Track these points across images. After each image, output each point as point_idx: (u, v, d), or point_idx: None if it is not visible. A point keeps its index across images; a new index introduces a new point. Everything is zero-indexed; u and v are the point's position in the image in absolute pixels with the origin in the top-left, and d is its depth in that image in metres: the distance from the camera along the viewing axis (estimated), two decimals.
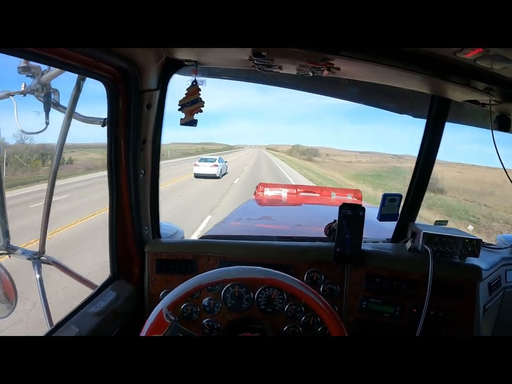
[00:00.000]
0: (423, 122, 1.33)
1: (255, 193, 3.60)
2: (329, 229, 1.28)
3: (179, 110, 1.07)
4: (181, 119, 1.07)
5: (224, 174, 17.35)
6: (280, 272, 0.83)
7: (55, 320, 1.05)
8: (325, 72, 1.05)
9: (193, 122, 1.08)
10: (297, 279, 0.84)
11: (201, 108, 1.07)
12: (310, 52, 0.92)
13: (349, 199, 3.23)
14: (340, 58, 0.94)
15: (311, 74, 1.06)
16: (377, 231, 1.56)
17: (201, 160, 17.20)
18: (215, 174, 15.95)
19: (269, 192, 3.49)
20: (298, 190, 3.54)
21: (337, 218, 1.17)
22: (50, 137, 1.21)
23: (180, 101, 1.06)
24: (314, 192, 3.55)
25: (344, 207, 1.15)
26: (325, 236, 1.31)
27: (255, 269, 0.84)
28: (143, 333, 0.78)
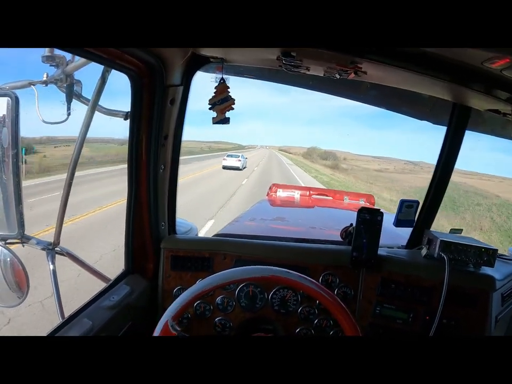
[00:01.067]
0: (437, 128, 1.34)
1: (267, 194, 3.59)
2: (345, 232, 1.27)
3: (210, 109, 1.07)
4: (213, 117, 1.07)
5: (245, 167, 22.12)
6: (291, 272, 0.84)
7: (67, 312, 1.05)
8: (351, 75, 1.04)
9: (225, 120, 1.08)
10: (314, 280, 0.85)
11: (232, 106, 1.07)
12: (339, 54, 0.92)
13: (362, 203, 3.22)
14: (368, 62, 0.94)
15: (338, 76, 1.05)
16: (391, 237, 1.56)
17: (228, 155, 23.15)
18: (239, 167, 20.99)
19: (281, 193, 3.49)
20: (311, 192, 3.53)
21: (353, 222, 1.17)
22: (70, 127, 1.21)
23: (210, 100, 1.06)
24: (327, 195, 3.54)
25: (363, 211, 1.14)
26: (339, 239, 1.31)
27: (257, 268, 0.84)
28: None
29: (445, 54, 0.85)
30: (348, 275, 1.19)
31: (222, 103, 1.07)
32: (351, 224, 1.23)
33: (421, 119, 1.45)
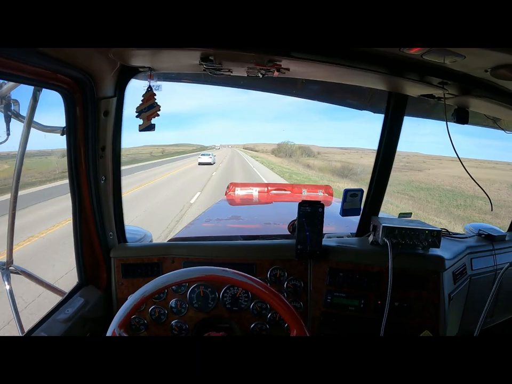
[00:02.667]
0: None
1: (226, 193, 3.58)
2: (292, 226, 1.30)
3: (137, 116, 1.09)
4: (139, 125, 1.09)
5: (214, 162, 27.18)
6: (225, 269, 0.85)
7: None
8: (276, 73, 1.07)
9: (151, 127, 1.10)
10: (255, 278, 0.86)
11: (158, 112, 1.09)
12: (256, 54, 0.94)
13: (320, 195, 3.24)
14: (288, 59, 0.96)
15: (261, 76, 1.08)
16: (345, 225, 1.59)
17: (202, 154, 30.04)
18: (210, 162, 26.33)
19: (240, 192, 3.49)
20: (269, 188, 3.55)
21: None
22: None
23: (137, 108, 1.08)
24: (285, 190, 3.55)
25: (304, 204, 1.17)
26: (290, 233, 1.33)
27: (196, 269, 0.85)
28: None
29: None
30: (295, 268, 1.22)
31: (148, 110, 1.09)
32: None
33: (361, 109, 1.48)
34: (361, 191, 1.33)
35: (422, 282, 1.18)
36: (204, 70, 1.05)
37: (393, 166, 1.36)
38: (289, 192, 3.46)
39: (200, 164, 25.50)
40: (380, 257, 1.18)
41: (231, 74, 1.08)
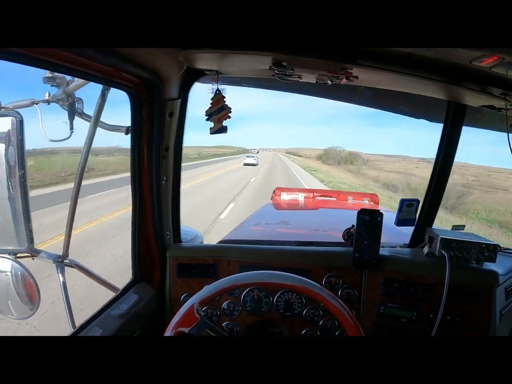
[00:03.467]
0: (439, 126, 1.33)
1: (272, 198, 3.60)
2: (347, 234, 1.29)
3: (207, 119, 1.09)
4: (210, 128, 1.10)
5: (257, 164, 30.83)
6: (304, 278, 0.86)
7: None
8: (343, 81, 1.06)
9: (223, 129, 1.11)
10: (317, 284, 0.87)
11: (229, 114, 1.09)
12: (328, 62, 0.94)
13: (366, 203, 3.22)
14: (358, 67, 0.96)
15: (330, 83, 1.07)
16: (395, 235, 1.57)
17: (247, 156, 35.03)
18: (254, 163, 30.21)
19: (285, 197, 3.50)
20: (314, 194, 3.54)
21: (355, 224, 1.18)
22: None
23: (206, 111, 1.09)
24: (331, 197, 3.54)
25: (362, 213, 1.16)
26: (343, 241, 1.32)
27: (288, 275, 0.87)
28: (170, 326, 0.80)
29: (434, 55, 0.87)
30: (350, 276, 1.21)
31: (218, 113, 1.10)
32: (353, 226, 1.24)
33: (417, 117, 1.46)
34: (417, 201, 1.31)
35: (475, 296, 1.15)
36: (272, 75, 1.05)
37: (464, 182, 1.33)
38: (335, 199, 3.44)
39: (245, 164, 30.29)
40: (435, 269, 1.16)
41: (300, 80, 1.07)
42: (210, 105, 1.09)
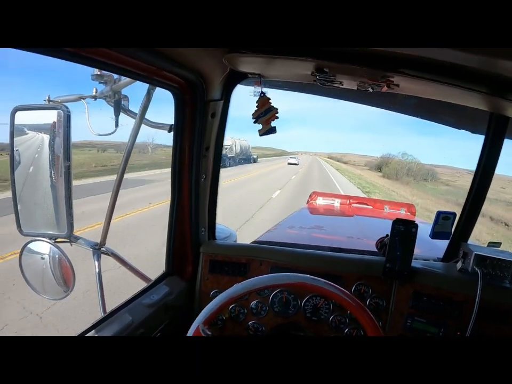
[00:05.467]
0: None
1: (308, 201, 3.58)
2: (380, 243, 1.27)
3: (254, 122, 1.10)
4: (259, 130, 1.11)
5: (298, 164, 38.52)
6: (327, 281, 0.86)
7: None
8: (384, 88, 1.05)
9: (272, 130, 1.11)
10: (341, 288, 0.87)
11: (276, 115, 1.10)
12: (370, 69, 0.94)
13: (402, 213, 3.15)
14: (400, 76, 0.95)
15: (371, 90, 1.06)
16: (429, 248, 1.53)
17: (290, 157, 44.62)
18: (296, 163, 38.55)
19: (321, 201, 3.49)
20: (351, 201, 3.50)
21: (389, 233, 1.16)
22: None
23: (253, 114, 1.10)
24: (367, 204, 3.49)
25: (398, 223, 1.14)
26: (375, 250, 1.31)
27: (284, 275, 0.87)
28: None
29: (478, 66, 0.84)
30: (380, 286, 1.20)
31: (265, 114, 1.10)
32: (387, 235, 1.22)
33: (459, 128, 1.41)
34: (454, 214, 1.27)
35: (504, 317, 1.11)
36: (314, 81, 1.05)
37: None
38: (371, 207, 3.40)
39: (289, 163, 38.56)
40: (466, 285, 1.13)
41: (340, 86, 1.07)
42: (256, 108, 1.10)
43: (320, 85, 1.06)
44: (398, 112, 1.38)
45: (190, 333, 0.82)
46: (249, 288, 0.87)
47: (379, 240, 1.28)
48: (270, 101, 1.10)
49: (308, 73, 1.01)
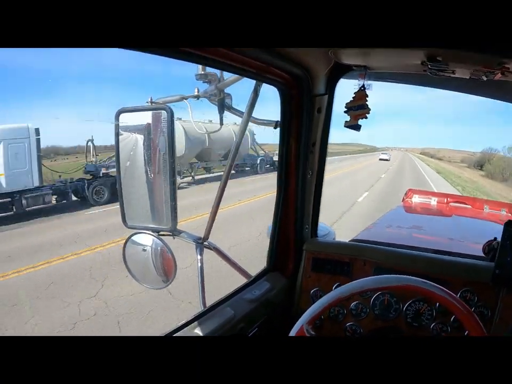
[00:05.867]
0: None
1: (403, 199, 3.47)
2: (488, 246, 1.19)
3: (345, 112, 1.10)
4: (346, 121, 1.11)
5: (389, 159, 40.59)
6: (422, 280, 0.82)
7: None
8: (498, 76, 0.99)
9: (357, 127, 1.11)
10: (451, 292, 0.81)
11: (367, 115, 1.09)
12: (487, 56, 0.88)
13: (503, 214, 2.92)
14: None
15: (485, 78, 1.01)
16: None
17: (382, 153, 47.34)
18: (387, 159, 40.22)
19: (417, 199, 3.34)
20: (449, 199, 3.29)
21: (497, 236, 1.09)
22: None
23: (347, 104, 1.10)
24: (465, 203, 3.27)
25: (510, 225, 1.05)
26: (479, 254, 1.23)
27: (390, 277, 0.84)
28: None
29: None
30: (486, 293, 1.11)
31: (357, 109, 1.10)
32: (495, 238, 1.15)
33: None
34: None
35: None
36: (424, 71, 1.02)
37: None
38: (470, 206, 3.20)
39: (380, 159, 40.45)
40: None
41: (452, 76, 1.03)
42: (352, 99, 1.10)
43: (431, 74, 1.03)
44: (506, 101, 1.30)
45: (293, 332, 0.81)
46: (357, 289, 0.85)
47: (486, 244, 1.20)
48: (367, 98, 1.09)
49: (417, 63, 0.98)
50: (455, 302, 0.80)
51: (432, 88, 1.31)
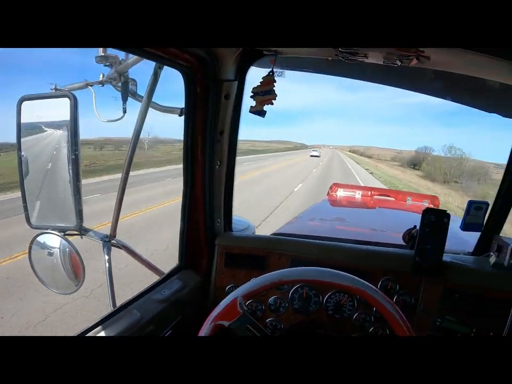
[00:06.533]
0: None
1: (328, 193, 3.54)
2: (408, 235, 1.19)
3: (251, 97, 1.05)
4: (251, 106, 1.05)
5: (320, 156, 42.15)
6: (364, 281, 0.80)
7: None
8: (413, 61, 0.96)
9: (261, 113, 1.06)
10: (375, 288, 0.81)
11: (273, 101, 1.04)
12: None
13: (425, 205, 3.03)
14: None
15: (399, 63, 0.98)
16: (456, 242, 1.43)
17: (313, 150, 48.89)
18: (318, 155, 41.87)
19: (342, 193, 3.43)
20: (372, 192, 3.44)
21: (416, 225, 1.09)
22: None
23: (254, 88, 1.04)
24: (389, 196, 3.43)
25: (429, 213, 1.05)
26: (401, 243, 1.23)
27: (338, 273, 0.81)
28: (210, 317, 0.78)
29: None
30: (408, 282, 1.11)
31: (264, 95, 1.05)
32: (415, 227, 1.15)
33: (490, 111, 1.31)
34: (487, 204, 1.17)
35: None
36: (336, 55, 0.97)
37: None
38: (393, 198, 3.33)
39: (311, 156, 41.63)
40: (502, 281, 1.04)
41: (365, 60, 0.98)
42: (259, 84, 1.05)
43: (342, 59, 0.98)
44: (426, 93, 1.29)
45: (224, 302, 0.78)
46: (303, 277, 0.83)
47: (407, 232, 1.20)
48: (274, 83, 1.04)
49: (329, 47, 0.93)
50: (372, 294, 0.79)
51: (362, 89, 1.29)
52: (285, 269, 0.83)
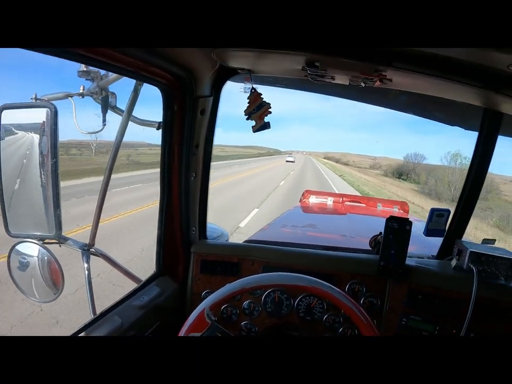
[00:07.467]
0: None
1: (300, 200, 3.60)
2: (374, 241, 1.26)
3: (247, 119, 1.09)
4: (252, 126, 1.09)
5: (294, 161, 45.24)
6: (320, 280, 0.85)
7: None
8: (377, 83, 1.04)
9: (266, 126, 1.10)
10: (336, 288, 0.85)
11: (269, 110, 1.08)
12: (362, 63, 0.92)
13: (395, 211, 3.16)
14: (393, 70, 0.93)
15: (363, 85, 1.05)
16: (423, 246, 1.52)
17: (288, 156, 54.84)
18: (293, 161, 46.44)
19: (314, 200, 3.49)
20: (344, 199, 3.51)
21: (382, 231, 1.15)
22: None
23: (245, 111, 1.08)
24: (360, 202, 3.51)
25: (391, 220, 1.13)
26: (369, 248, 1.30)
27: (297, 276, 0.85)
28: (182, 331, 0.80)
29: (471, 59, 0.83)
30: (374, 285, 1.18)
31: (258, 110, 1.09)
32: (380, 233, 1.21)
33: (452, 124, 1.40)
34: (448, 211, 1.26)
35: (501, 315, 1.10)
36: (305, 76, 1.03)
37: None
38: (364, 205, 3.41)
39: (287, 161, 44.99)
40: (461, 283, 1.12)
41: (332, 81, 1.05)
42: (248, 104, 1.09)
43: (311, 80, 1.05)
44: (392, 109, 1.37)
45: (193, 316, 0.81)
46: (265, 282, 0.86)
47: (372, 238, 1.27)
48: (261, 96, 1.09)
49: (298, 68, 0.99)
50: (334, 292, 0.84)
51: (337, 98, 1.34)
52: (247, 277, 0.87)
